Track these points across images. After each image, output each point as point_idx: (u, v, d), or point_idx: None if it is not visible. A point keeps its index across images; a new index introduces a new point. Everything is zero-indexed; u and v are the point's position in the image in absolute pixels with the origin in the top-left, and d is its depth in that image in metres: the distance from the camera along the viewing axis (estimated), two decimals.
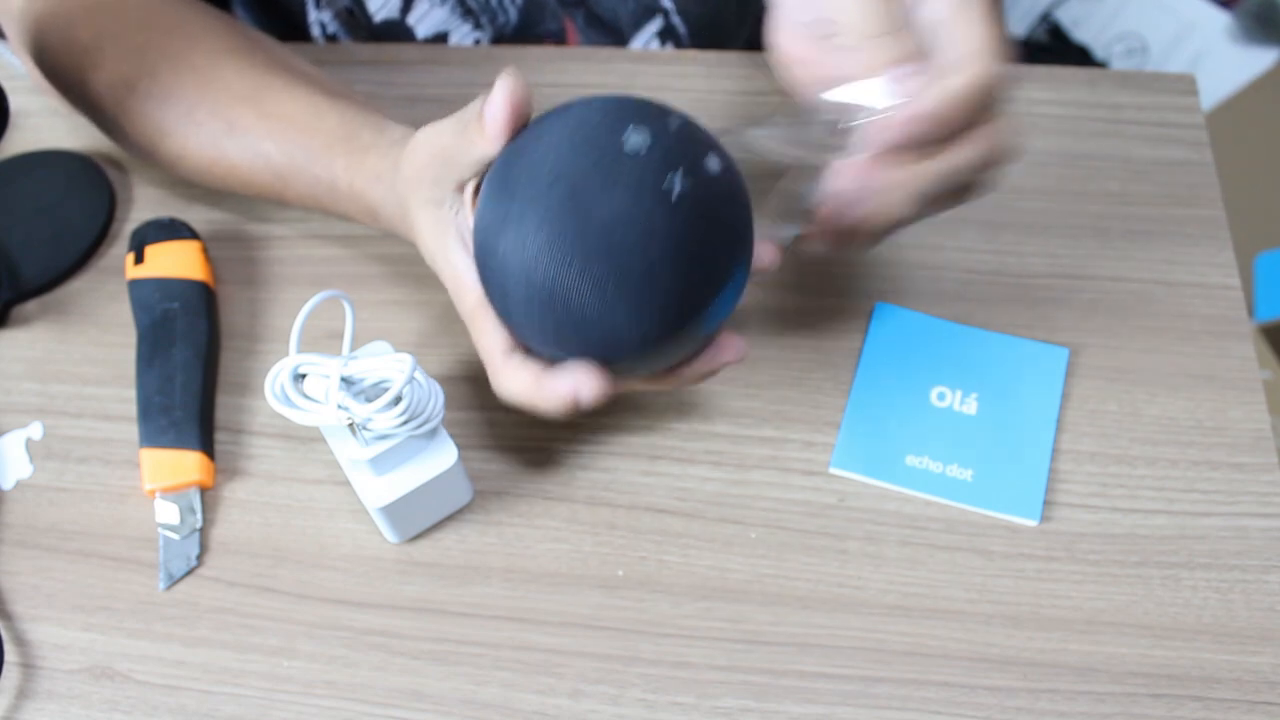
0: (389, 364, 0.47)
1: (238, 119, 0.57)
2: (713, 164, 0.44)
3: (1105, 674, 0.48)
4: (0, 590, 0.52)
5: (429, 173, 0.48)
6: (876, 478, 0.53)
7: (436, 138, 0.48)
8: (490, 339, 0.48)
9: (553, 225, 0.42)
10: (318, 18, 0.72)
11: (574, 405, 0.46)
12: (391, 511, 0.50)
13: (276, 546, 0.53)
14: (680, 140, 0.44)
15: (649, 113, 0.44)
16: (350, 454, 0.49)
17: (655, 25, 0.76)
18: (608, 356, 0.45)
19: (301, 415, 0.48)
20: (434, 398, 0.48)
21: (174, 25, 0.59)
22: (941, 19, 0.46)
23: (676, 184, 0.42)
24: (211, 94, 0.57)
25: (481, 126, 0.46)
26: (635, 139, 0.43)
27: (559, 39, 0.75)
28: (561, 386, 0.46)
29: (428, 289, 0.60)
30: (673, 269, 0.42)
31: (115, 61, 0.58)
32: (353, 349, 0.50)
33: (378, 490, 0.49)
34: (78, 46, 0.59)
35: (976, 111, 0.45)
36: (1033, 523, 0.52)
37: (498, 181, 0.45)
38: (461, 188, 0.48)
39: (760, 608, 0.50)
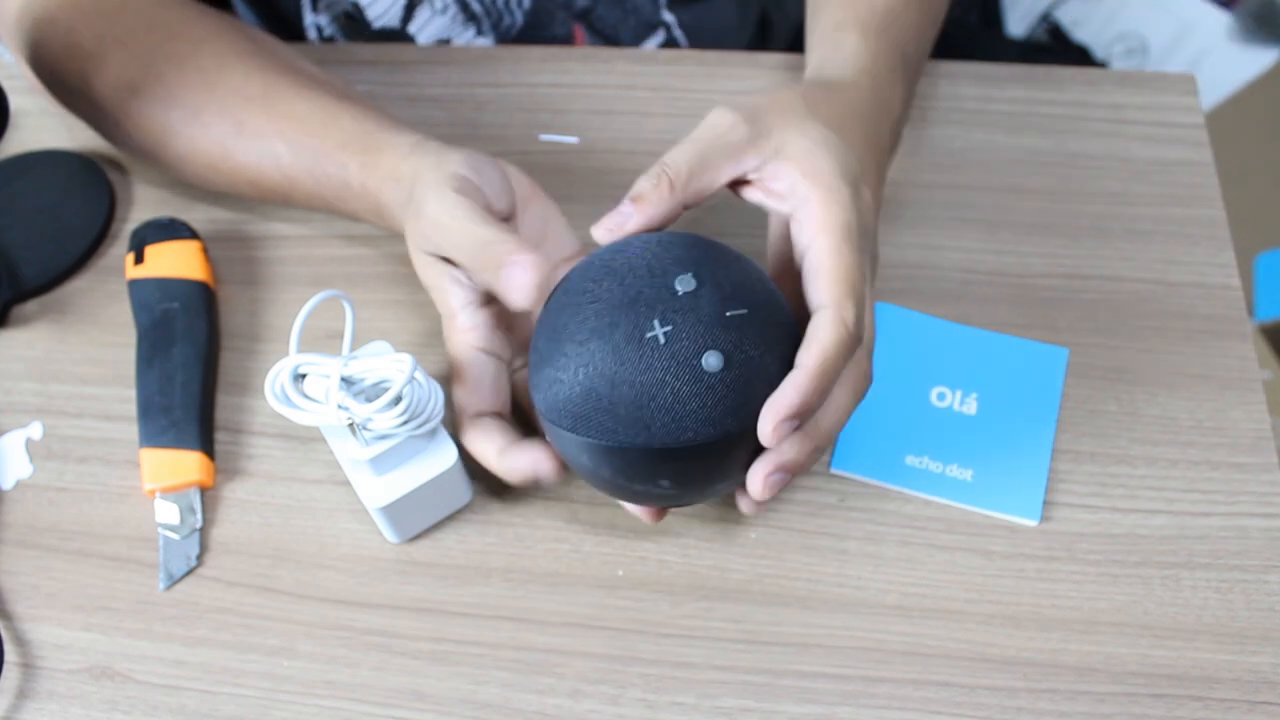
0: (389, 364, 0.47)
1: (247, 120, 0.57)
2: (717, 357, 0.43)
3: (1105, 674, 0.48)
4: (0, 590, 0.52)
5: (437, 242, 0.50)
6: (876, 478, 0.53)
7: (455, 238, 0.49)
8: (465, 393, 0.50)
9: (614, 436, 0.44)
10: (314, 21, 0.72)
11: (534, 481, 0.49)
12: (391, 511, 0.50)
13: (276, 546, 0.53)
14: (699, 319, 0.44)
15: (666, 294, 0.44)
16: (350, 454, 0.49)
17: (657, 39, 0.76)
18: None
19: (301, 415, 0.48)
20: (434, 398, 0.48)
21: (179, 29, 0.59)
22: (806, 246, 0.46)
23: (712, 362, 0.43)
24: (219, 96, 0.57)
25: (504, 282, 0.47)
26: (659, 327, 0.43)
27: (566, 44, 0.75)
28: (521, 462, 0.48)
29: None
30: (720, 428, 0.43)
31: (119, 65, 0.58)
32: (353, 349, 0.50)
33: (377, 490, 0.49)
34: (80, 50, 0.59)
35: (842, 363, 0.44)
36: (1033, 523, 0.52)
37: (547, 355, 0.45)
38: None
39: (760, 608, 0.50)
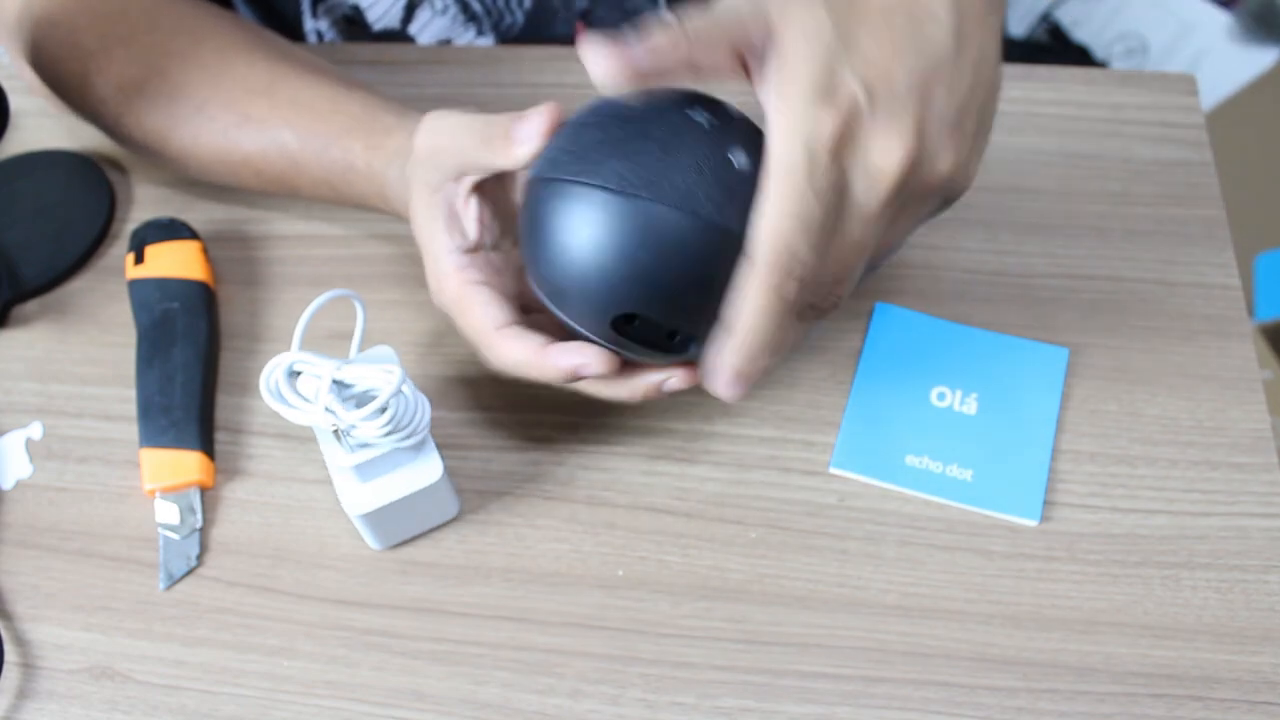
0: (379, 374, 0.47)
1: (251, 110, 0.57)
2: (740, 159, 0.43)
3: (1105, 674, 0.48)
4: (0, 590, 0.52)
5: (437, 157, 0.49)
6: (876, 478, 0.53)
7: (456, 132, 0.49)
8: (482, 314, 0.48)
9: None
10: (315, 26, 0.72)
11: (574, 377, 0.46)
12: (372, 519, 0.50)
13: (276, 546, 0.53)
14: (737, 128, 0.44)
15: (704, 100, 0.45)
16: (336, 459, 0.49)
17: None
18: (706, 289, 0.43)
19: (291, 412, 0.48)
20: (420, 412, 0.48)
21: (180, 25, 0.59)
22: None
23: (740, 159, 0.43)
24: (224, 88, 0.57)
25: (508, 144, 0.46)
26: (701, 116, 0.43)
27: (568, 43, 0.75)
28: (567, 357, 0.45)
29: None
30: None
31: (122, 63, 0.58)
32: (360, 350, 0.50)
33: (359, 497, 0.49)
34: (82, 50, 0.59)
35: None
36: (1033, 523, 0.52)
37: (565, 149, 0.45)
38: (460, 178, 0.49)
39: (760, 608, 0.50)
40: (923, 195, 0.44)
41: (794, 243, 0.41)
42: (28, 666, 0.50)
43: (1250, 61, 1.40)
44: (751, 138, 0.44)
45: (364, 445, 0.48)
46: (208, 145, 0.58)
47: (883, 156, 0.41)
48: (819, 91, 0.40)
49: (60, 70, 0.59)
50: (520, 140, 0.46)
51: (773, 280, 0.41)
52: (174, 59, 0.58)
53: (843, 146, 0.41)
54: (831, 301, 0.45)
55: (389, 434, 0.47)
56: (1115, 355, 0.57)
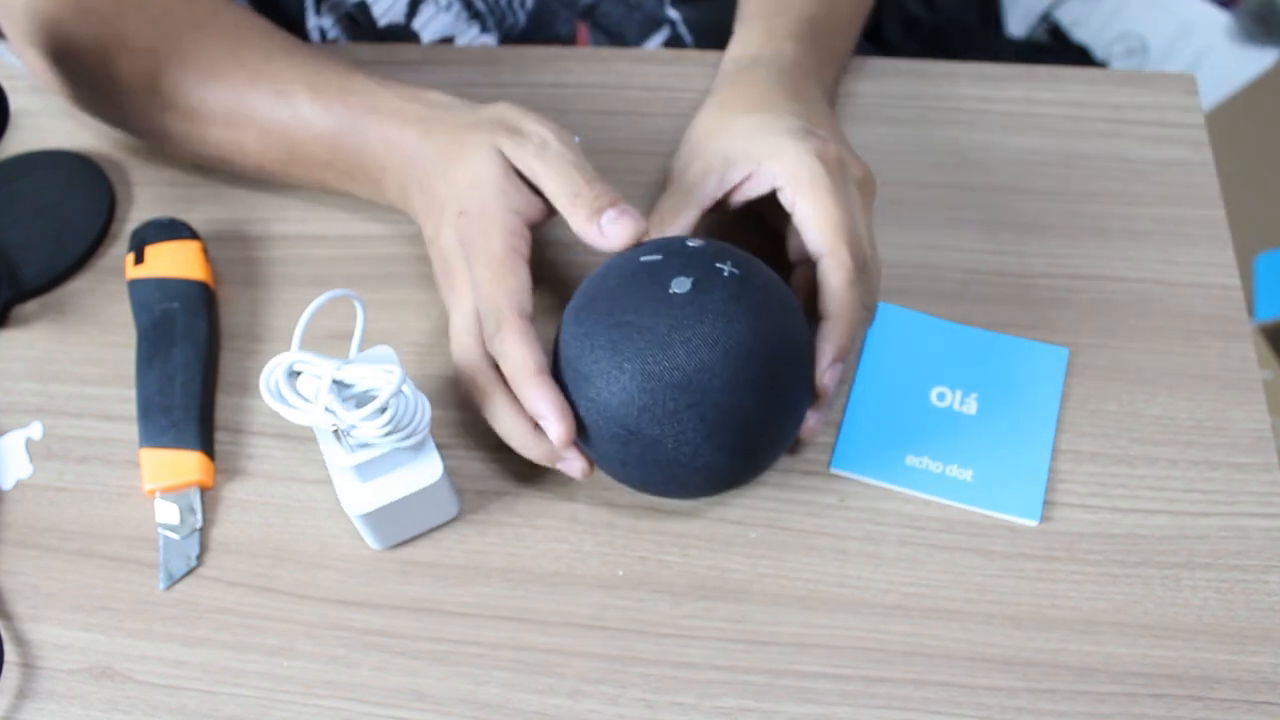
0: (379, 373, 0.47)
1: (266, 69, 0.58)
2: (725, 269, 0.47)
3: (1105, 674, 0.48)
4: (0, 590, 0.52)
5: (526, 154, 0.52)
6: (876, 478, 0.53)
7: (559, 155, 0.52)
8: (512, 291, 0.50)
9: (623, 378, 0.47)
10: (318, 24, 0.72)
11: (550, 462, 0.50)
12: (372, 519, 0.50)
13: (276, 546, 0.53)
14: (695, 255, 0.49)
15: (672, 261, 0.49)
16: (336, 459, 0.49)
17: (661, 36, 0.76)
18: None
19: (291, 412, 0.48)
20: (420, 412, 0.48)
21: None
22: (788, 202, 0.52)
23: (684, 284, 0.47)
24: (238, 51, 0.59)
25: (592, 227, 0.50)
26: (679, 281, 0.47)
27: (569, 43, 0.75)
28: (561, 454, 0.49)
29: (430, 289, 0.60)
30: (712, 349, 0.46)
31: (137, 26, 0.59)
32: (360, 350, 0.50)
33: (359, 497, 0.49)
34: (97, 17, 0.59)
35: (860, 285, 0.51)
36: (1033, 523, 0.52)
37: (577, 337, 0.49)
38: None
39: (760, 608, 0.50)
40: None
41: (843, 225, 0.51)
42: (28, 666, 0.50)
43: (1250, 61, 1.40)
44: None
45: (364, 445, 0.48)
46: (214, 105, 0.59)
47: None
48: (798, 135, 0.52)
49: (80, 47, 0.59)
50: (608, 237, 0.50)
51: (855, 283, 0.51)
52: (190, 26, 0.59)
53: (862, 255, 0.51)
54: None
55: (389, 434, 0.47)
56: (1115, 355, 0.57)
